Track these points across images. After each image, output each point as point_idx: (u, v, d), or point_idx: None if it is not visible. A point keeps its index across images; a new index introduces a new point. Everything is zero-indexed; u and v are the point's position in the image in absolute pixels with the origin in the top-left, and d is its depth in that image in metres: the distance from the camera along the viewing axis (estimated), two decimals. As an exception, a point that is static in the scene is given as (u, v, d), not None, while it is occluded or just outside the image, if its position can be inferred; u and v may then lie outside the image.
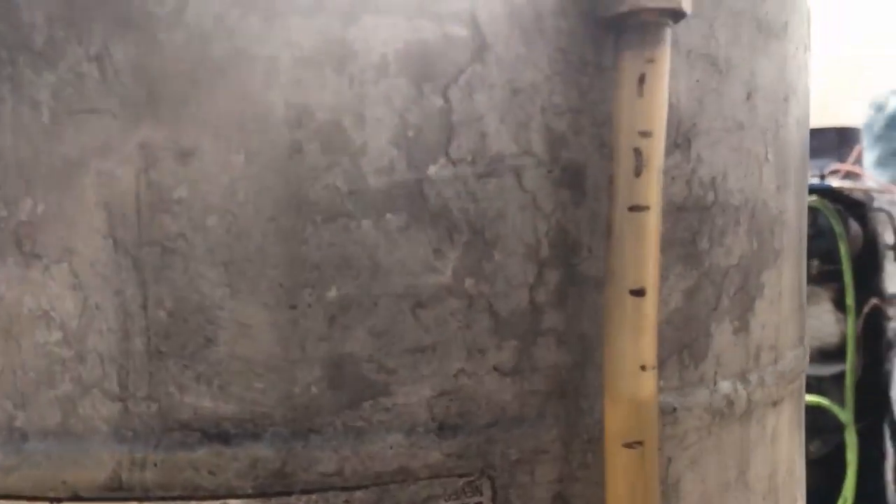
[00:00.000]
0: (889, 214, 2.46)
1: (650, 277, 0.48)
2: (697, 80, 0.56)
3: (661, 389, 0.56)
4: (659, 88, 0.48)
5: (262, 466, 0.47)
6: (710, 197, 0.58)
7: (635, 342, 0.48)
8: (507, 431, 0.50)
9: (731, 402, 0.60)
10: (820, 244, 2.27)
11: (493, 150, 0.49)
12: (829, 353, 2.30)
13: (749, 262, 0.62)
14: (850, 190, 2.40)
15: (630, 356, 0.48)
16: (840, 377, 2.24)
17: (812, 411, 2.16)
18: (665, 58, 0.48)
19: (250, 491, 0.47)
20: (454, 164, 0.49)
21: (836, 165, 2.69)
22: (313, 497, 0.47)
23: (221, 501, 0.47)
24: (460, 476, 0.49)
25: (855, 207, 2.34)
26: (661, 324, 0.56)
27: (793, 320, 0.70)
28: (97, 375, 0.47)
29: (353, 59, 0.46)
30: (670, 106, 0.55)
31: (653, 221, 0.48)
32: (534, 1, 0.49)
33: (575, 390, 0.52)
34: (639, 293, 0.48)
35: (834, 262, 2.25)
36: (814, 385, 2.17)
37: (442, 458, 0.49)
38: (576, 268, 0.52)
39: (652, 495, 0.48)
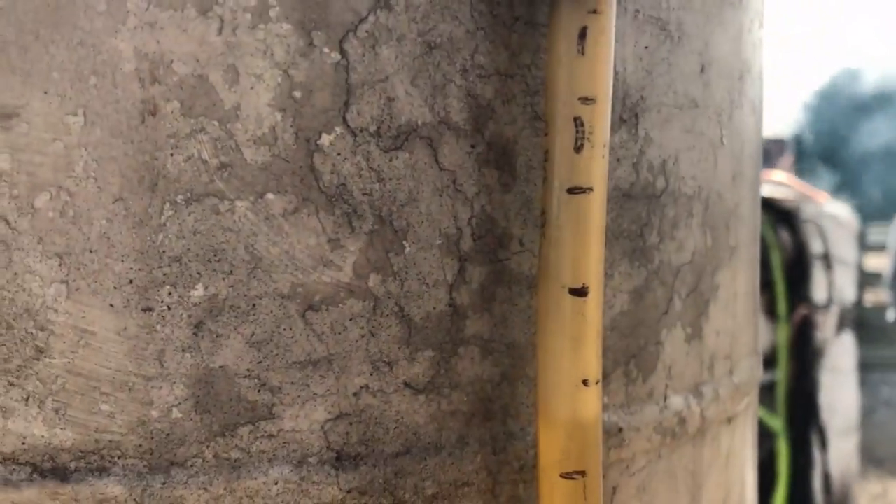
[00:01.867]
0: (817, 224, 2.41)
1: (594, 273, 0.38)
2: (646, 47, 0.47)
3: (604, 407, 0.46)
4: (604, 45, 0.38)
5: (106, 512, 0.36)
6: (661, 183, 0.48)
7: (575, 352, 0.38)
8: (422, 461, 0.40)
9: (683, 420, 0.50)
10: (752, 253, 2.25)
11: (402, 117, 0.39)
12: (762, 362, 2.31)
13: (703, 259, 0.52)
14: (782, 200, 2.36)
15: (569, 369, 0.38)
16: (772, 386, 2.20)
17: (741, 420, 2.12)
18: (611, 8, 0.38)
19: (89, 544, 0.36)
20: (354, 133, 0.38)
21: (768, 174, 2.67)
22: (174, 550, 0.36)
23: (52, 558, 0.36)
24: (361, 519, 0.39)
25: (786, 217, 2.31)
26: (604, 330, 0.46)
27: (748, 326, 0.61)
28: None
29: (224, -2, 0.36)
30: (615, 75, 0.45)
31: (597, 205, 0.38)
32: (452, -64, 0.39)
33: (503, 410, 0.42)
34: (580, 292, 0.38)
35: (766, 271, 2.18)
36: (744, 394, 2.16)
37: (340, 494, 0.38)
38: (505, 264, 0.42)
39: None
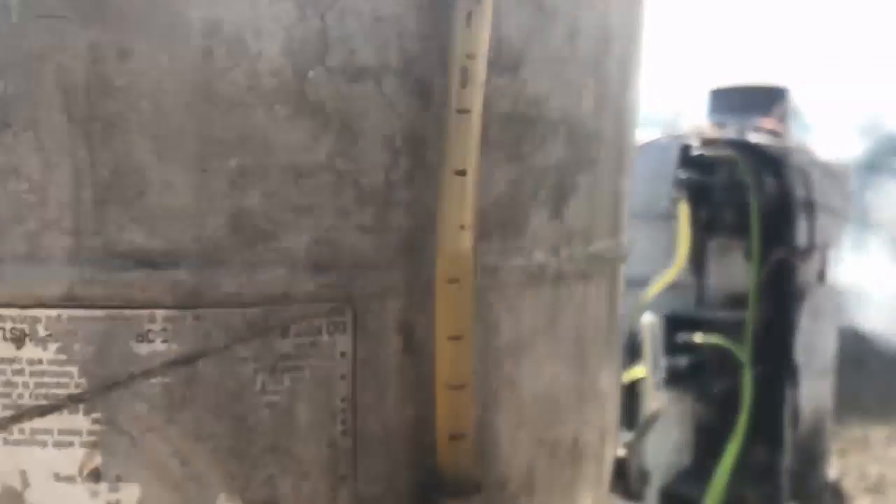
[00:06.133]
0: (803, 172, 2.40)
1: (471, 162, 0.61)
2: (525, 21, 0.69)
3: (487, 253, 0.69)
4: (482, 23, 0.60)
5: (180, 287, 0.59)
6: (534, 112, 0.71)
7: (458, 209, 0.61)
8: (366, 273, 0.63)
9: (543, 268, 0.74)
10: (735, 196, 2.24)
11: (359, 63, 0.61)
12: (738, 301, 2.30)
13: (565, 164, 0.75)
14: (767, 146, 2.36)
15: (453, 219, 0.61)
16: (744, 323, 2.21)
17: (716, 352, 2.18)
18: (489, 1, 0.60)
19: (170, 304, 0.59)
20: (329, 71, 0.60)
21: (760, 121, 2.59)
22: (219, 312, 0.60)
23: (149, 311, 0.59)
24: (328, 301, 0.62)
25: (771, 163, 2.31)
26: (488, 205, 0.69)
27: (607, 217, 0.84)
28: (56, 216, 0.58)
29: (254, -13, 0.58)
30: (502, 39, 0.67)
31: (474, 121, 0.61)
32: (394, -49, 0.61)
33: (419, 248, 0.65)
34: (462, 173, 0.61)
35: (745, 215, 2.20)
36: (721, 329, 2.21)
37: (315, 288, 0.62)
38: (423, 156, 0.64)
39: (465, 313, 0.62)
